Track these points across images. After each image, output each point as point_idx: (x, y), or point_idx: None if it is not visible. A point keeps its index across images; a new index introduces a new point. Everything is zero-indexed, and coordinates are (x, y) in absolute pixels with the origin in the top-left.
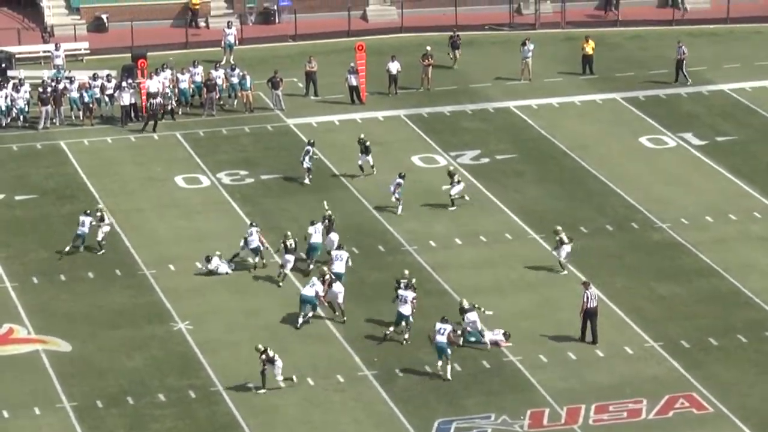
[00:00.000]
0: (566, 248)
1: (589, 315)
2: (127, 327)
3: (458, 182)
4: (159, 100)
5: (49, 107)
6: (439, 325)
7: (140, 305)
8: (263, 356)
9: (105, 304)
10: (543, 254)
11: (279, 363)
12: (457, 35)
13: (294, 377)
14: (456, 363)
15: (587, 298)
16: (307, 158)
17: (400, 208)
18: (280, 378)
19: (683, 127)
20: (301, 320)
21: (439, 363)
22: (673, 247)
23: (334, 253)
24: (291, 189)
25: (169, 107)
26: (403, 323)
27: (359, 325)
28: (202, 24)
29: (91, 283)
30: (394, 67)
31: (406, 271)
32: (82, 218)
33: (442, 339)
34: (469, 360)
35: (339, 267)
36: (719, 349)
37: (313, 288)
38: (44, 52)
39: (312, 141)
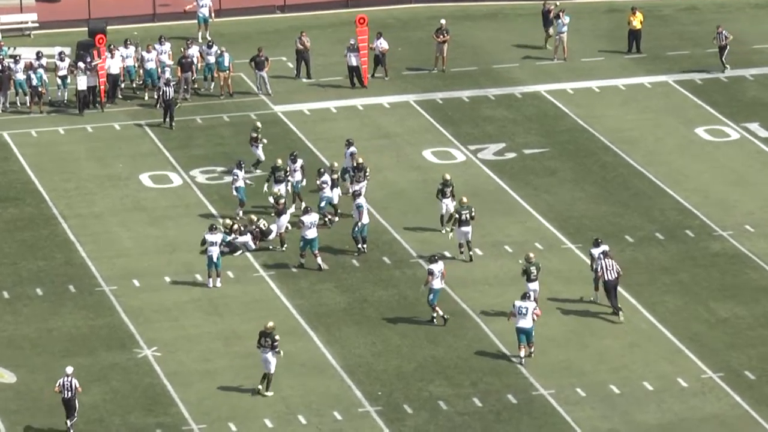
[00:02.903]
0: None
1: (609, 287)
2: (83, 354)
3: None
4: (171, 87)
5: None
6: (434, 268)
7: (98, 328)
8: (265, 338)
9: (56, 327)
10: (579, 268)
11: (268, 359)
12: (553, 4)
13: (262, 388)
14: (476, 398)
15: (603, 267)
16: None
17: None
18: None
19: (748, 116)
20: (320, 261)
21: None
22: (736, 259)
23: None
24: None
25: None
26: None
27: (360, 352)
28: None
29: (40, 302)
30: (381, 45)
31: (465, 199)
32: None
33: (439, 284)
34: (492, 394)
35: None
36: None
37: (314, 228)
38: None
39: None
